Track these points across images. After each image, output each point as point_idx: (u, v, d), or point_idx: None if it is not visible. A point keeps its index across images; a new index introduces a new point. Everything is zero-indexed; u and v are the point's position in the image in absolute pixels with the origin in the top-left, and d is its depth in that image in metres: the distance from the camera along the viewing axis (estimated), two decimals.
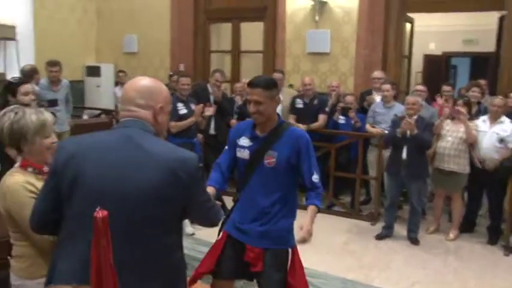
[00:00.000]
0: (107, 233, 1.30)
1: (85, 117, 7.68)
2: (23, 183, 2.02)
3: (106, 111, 7.65)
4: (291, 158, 2.62)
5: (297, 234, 2.63)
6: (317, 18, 7.36)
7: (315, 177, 2.65)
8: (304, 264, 2.81)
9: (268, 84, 2.59)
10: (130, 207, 1.63)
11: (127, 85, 1.85)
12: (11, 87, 3.18)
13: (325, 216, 5.88)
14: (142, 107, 1.78)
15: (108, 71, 9.27)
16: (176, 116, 5.15)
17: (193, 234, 5.13)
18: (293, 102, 6.27)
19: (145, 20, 9.00)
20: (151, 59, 9.09)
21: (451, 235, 5.27)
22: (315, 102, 6.21)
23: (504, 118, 5.13)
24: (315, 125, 6.03)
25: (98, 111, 7.86)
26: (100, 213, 1.30)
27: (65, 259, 1.66)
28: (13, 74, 6.67)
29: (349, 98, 6.15)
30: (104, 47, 9.64)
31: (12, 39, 8.32)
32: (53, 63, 5.74)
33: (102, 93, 9.12)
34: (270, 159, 2.62)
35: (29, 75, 5.71)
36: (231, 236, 2.72)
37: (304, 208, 2.72)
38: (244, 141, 2.71)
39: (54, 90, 5.82)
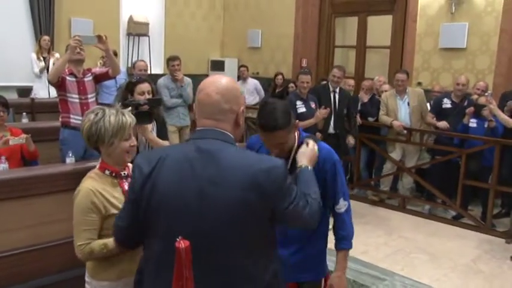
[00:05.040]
0: (189, 264, 1.20)
1: None
2: (91, 189, 2.01)
3: None
4: (318, 183, 2.17)
5: None
6: (453, 9, 6.75)
7: (339, 208, 2.24)
8: (422, 280, 2.47)
9: (286, 120, 2.06)
10: (207, 230, 1.49)
11: (205, 87, 1.62)
12: (130, 86, 3.27)
13: (450, 228, 5.42)
14: (226, 113, 1.59)
15: (232, 65, 9.49)
16: (294, 114, 5.00)
17: None
18: (440, 101, 5.85)
19: (269, 15, 9.03)
20: (274, 53, 9.11)
21: None
22: (465, 103, 5.70)
23: None
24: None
25: None
26: (182, 243, 1.22)
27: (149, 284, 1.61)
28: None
29: (483, 99, 5.51)
30: (229, 42, 9.88)
31: (146, 35, 8.88)
32: (173, 58, 5.92)
33: None
34: None
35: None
36: None
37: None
38: None
39: (178, 86, 5.97)
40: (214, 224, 1.49)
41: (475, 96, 5.84)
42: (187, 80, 6.10)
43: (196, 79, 7.74)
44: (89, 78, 4.37)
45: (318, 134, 5.43)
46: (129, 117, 2.09)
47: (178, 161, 1.55)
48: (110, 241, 1.94)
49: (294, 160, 2.13)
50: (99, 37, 4.09)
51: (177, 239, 1.28)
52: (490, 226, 5.30)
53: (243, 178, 1.49)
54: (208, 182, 1.49)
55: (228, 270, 1.51)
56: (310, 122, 5.07)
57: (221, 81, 1.62)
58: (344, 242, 2.27)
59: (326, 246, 2.37)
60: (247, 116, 7.54)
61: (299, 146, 2.16)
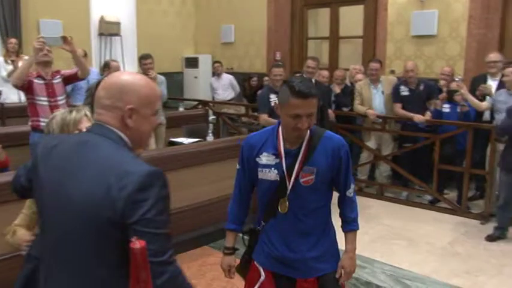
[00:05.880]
0: (146, 266, 1.18)
1: (181, 109, 7.85)
2: None
3: (203, 102, 7.74)
4: (331, 171, 2.19)
5: (338, 274, 2.28)
6: None
7: (350, 192, 2.27)
8: (402, 265, 2.50)
9: (316, 91, 2.07)
10: (62, 224, 1.43)
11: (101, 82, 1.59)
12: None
13: (427, 213, 5.49)
14: (110, 109, 1.48)
15: (205, 61, 9.46)
16: (268, 108, 5.02)
17: None
18: (397, 90, 5.85)
19: (242, 9, 9.00)
20: (248, 48, 9.09)
21: None
22: (421, 88, 5.76)
23: None
24: (427, 116, 5.65)
25: (195, 102, 7.98)
26: (138, 243, 1.18)
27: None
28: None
29: (454, 84, 5.58)
30: (202, 38, 9.83)
31: (118, 35, 8.77)
32: (145, 57, 5.86)
33: (200, 84, 9.32)
34: (308, 176, 2.15)
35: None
36: (276, 274, 2.26)
37: None
38: (267, 158, 2.18)
39: None
40: (66, 219, 1.42)
41: (442, 82, 5.91)
42: (161, 78, 6.04)
43: (171, 77, 7.77)
44: (57, 80, 4.30)
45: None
46: (76, 114, 2.10)
47: (62, 149, 1.52)
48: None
49: (306, 149, 2.15)
50: (64, 38, 4.03)
51: (132, 240, 1.24)
52: (466, 209, 5.39)
53: (97, 177, 1.39)
54: (68, 173, 1.44)
55: (78, 276, 1.42)
56: None
57: (112, 76, 1.55)
58: (354, 224, 2.31)
59: (334, 229, 2.36)
60: (223, 111, 7.55)
61: (312, 137, 2.16)
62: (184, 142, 5.23)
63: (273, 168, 2.16)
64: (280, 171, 2.15)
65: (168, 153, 4.54)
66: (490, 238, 4.72)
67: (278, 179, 2.16)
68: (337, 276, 2.27)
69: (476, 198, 5.72)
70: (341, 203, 2.31)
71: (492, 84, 5.50)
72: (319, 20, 8.97)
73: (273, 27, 8.60)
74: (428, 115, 5.62)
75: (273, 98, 5.09)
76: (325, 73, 6.48)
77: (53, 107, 4.18)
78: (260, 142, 2.22)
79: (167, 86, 6.29)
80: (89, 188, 1.38)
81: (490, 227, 4.88)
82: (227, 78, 8.21)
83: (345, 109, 6.29)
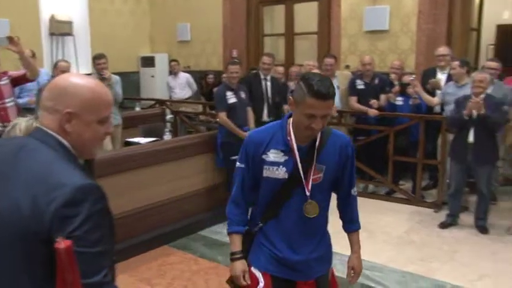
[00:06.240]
0: (73, 267, 1.11)
1: (137, 109, 7.73)
2: None
3: (160, 102, 7.66)
4: (338, 170, 2.12)
5: (348, 275, 2.27)
6: None
7: (354, 190, 2.22)
8: (363, 256, 2.51)
9: (334, 90, 1.96)
10: None
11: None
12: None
13: (384, 204, 5.62)
14: (49, 111, 1.39)
15: (162, 60, 9.35)
16: (225, 106, 5.00)
17: None
18: (353, 83, 5.95)
19: (197, 7, 8.95)
20: (204, 46, 9.05)
21: None
22: (376, 81, 5.90)
23: None
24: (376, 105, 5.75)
25: (152, 102, 7.88)
26: (63, 243, 1.10)
27: None
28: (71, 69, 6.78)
29: (406, 78, 5.74)
30: (158, 37, 9.72)
31: (70, 34, 8.55)
32: (99, 56, 5.74)
33: (157, 84, 9.21)
34: (317, 174, 2.05)
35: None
36: (275, 278, 2.13)
37: None
38: (275, 155, 2.04)
39: (105, 85, 5.77)
40: None
41: (393, 75, 6.06)
42: (115, 78, 5.94)
43: (127, 77, 7.64)
44: (5, 82, 4.17)
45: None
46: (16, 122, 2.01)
47: (1, 152, 1.41)
48: None
49: (316, 146, 2.05)
50: (10, 38, 3.89)
51: (57, 239, 1.16)
52: (420, 198, 5.56)
53: (28, 186, 1.28)
54: (2, 179, 1.33)
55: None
56: (242, 133, 4.86)
57: (60, 77, 1.45)
58: (358, 224, 2.26)
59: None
60: (180, 110, 7.49)
61: (322, 134, 2.06)
62: (140, 142, 5.15)
63: (281, 166, 2.03)
64: (290, 169, 2.03)
65: (124, 153, 4.49)
66: (443, 225, 4.88)
67: (286, 177, 2.04)
68: (347, 277, 2.26)
69: (429, 188, 5.91)
70: (344, 203, 2.24)
71: (441, 77, 5.68)
72: (274, 17, 9.01)
73: (228, 24, 8.59)
74: (375, 102, 5.72)
75: (230, 95, 5.08)
76: (281, 69, 6.53)
77: (0, 110, 4.05)
78: (267, 138, 2.07)
79: (123, 86, 6.18)
80: (18, 198, 1.26)
81: (443, 215, 5.04)
82: (184, 76, 8.15)
83: None
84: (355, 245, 2.26)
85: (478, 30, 7.62)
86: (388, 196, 5.79)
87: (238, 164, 2.15)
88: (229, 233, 2.18)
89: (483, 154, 4.60)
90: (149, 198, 4.45)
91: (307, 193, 2.04)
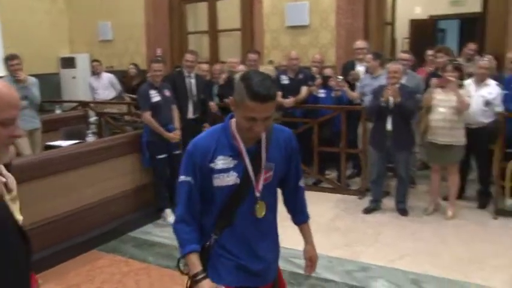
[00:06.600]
0: None
1: (58, 111, 7.43)
2: None
3: (83, 103, 7.41)
4: (286, 164, 2.05)
5: (306, 266, 2.25)
6: None
7: (302, 181, 2.16)
8: (289, 245, 2.58)
9: (276, 89, 1.85)
10: None
11: None
12: None
13: (311, 194, 5.70)
14: None
15: (83, 61, 9.06)
16: (149, 105, 4.94)
17: None
18: (278, 79, 6.07)
19: (118, 5, 8.76)
20: (127, 45, 8.86)
21: (450, 213, 4.92)
22: (300, 76, 6.05)
23: (490, 81, 4.95)
24: (299, 97, 5.92)
25: (75, 104, 7.61)
26: None
27: None
28: None
29: (328, 71, 5.96)
30: (78, 37, 9.39)
31: None
32: (11, 57, 5.47)
33: (79, 85, 8.90)
34: (268, 173, 1.97)
35: None
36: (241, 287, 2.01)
37: None
38: (223, 162, 1.90)
39: (21, 87, 5.49)
40: None
41: (314, 69, 6.26)
42: (32, 79, 5.67)
43: (45, 78, 7.31)
44: None
45: (206, 125, 5.49)
46: None
47: None
48: None
49: (263, 145, 1.94)
50: None
51: None
52: (345, 186, 5.78)
53: None
54: None
55: None
56: (170, 136, 4.99)
57: None
58: (307, 214, 2.23)
59: None
60: (105, 111, 7.29)
61: (267, 132, 1.94)
62: (62, 145, 4.97)
63: (231, 172, 1.90)
64: (241, 173, 1.91)
65: (44, 157, 4.33)
66: (366, 211, 5.11)
67: (238, 182, 1.91)
68: (305, 269, 2.24)
69: (354, 176, 6.16)
70: (293, 195, 2.18)
71: (360, 69, 5.94)
72: (198, 14, 8.99)
73: (151, 22, 8.47)
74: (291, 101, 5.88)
75: (154, 94, 5.02)
76: (205, 67, 6.53)
77: None
78: (212, 144, 1.91)
79: (41, 88, 5.91)
80: None
81: (367, 201, 5.28)
82: (107, 77, 7.91)
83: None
84: (308, 236, 2.23)
85: (392, 24, 8.01)
86: (315, 186, 5.97)
87: (182, 177, 1.93)
88: (185, 255, 1.95)
89: (401, 141, 4.86)
90: (74, 202, 4.32)
91: (258, 194, 1.95)
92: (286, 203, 2.22)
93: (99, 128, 6.79)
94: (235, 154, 1.90)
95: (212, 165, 1.89)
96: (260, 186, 1.94)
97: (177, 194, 1.99)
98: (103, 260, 4.16)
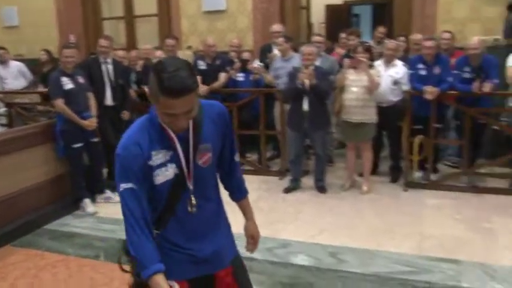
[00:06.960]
0: None
1: None
2: None
3: None
4: (222, 140, 1.92)
5: (248, 244, 2.17)
6: None
7: (237, 155, 2.04)
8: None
9: (194, 79, 1.61)
10: None
11: None
12: None
13: None
14: None
15: None
16: (61, 92, 4.74)
17: (95, 213, 4.84)
18: (195, 65, 6.02)
19: None
20: (37, 31, 8.40)
21: (365, 188, 5.17)
22: (218, 62, 6.04)
23: (397, 61, 5.24)
24: (216, 84, 5.90)
25: None
26: None
27: None
28: None
29: (246, 55, 6.02)
30: None
31: None
32: None
33: None
34: (205, 156, 1.83)
35: None
36: (192, 280, 1.88)
37: None
38: (159, 156, 1.73)
39: None
40: None
41: (232, 53, 6.31)
42: None
43: None
44: None
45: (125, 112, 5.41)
46: None
47: None
48: None
49: (195, 128, 1.76)
50: None
51: None
52: (266, 168, 5.90)
53: None
54: None
55: None
56: (85, 123, 4.81)
57: None
58: (245, 189, 2.14)
59: None
60: (15, 101, 6.89)
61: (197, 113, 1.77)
62: None
63: (169, 164, 1.75)
64: (178, 163, 1.77)
65: None
66: (287, 190, 5.26)
67: (178, 172, 1.77)
68: (249, 247, 2.15)
69: (274, 158, 6.29)
70: (229, 171, 2.04)
71: (277, 52, 6.03)
72: (112, 0, 8.68)
73: (62, 7, 8.09)
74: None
75: (66, 81, 4.81)
76: (121, 53, 6.34)
77: None
78: (143, 141, 1.72)
79: None
80: None
81: (287, 181, 5.43)
82: (16, 65, 7.46)
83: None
84: (249, 211, 2.15)
85: (308, 9, 8.21)
86: None
87: (123, 186, 1.71)
88: (150, 277, 1.68)
89: (317, 121, 5.02)
90: None
91: (190, 186, 1.81)
92: (223, 180, 2.08)
93: (10, 119, 6.44)
94: (169, 145, 1.75)
95: (150, 162, 1.72)
96: (191, 174, 1.80)
97: (121, 206, 1.73)
98: (16, 256, 3.97)
